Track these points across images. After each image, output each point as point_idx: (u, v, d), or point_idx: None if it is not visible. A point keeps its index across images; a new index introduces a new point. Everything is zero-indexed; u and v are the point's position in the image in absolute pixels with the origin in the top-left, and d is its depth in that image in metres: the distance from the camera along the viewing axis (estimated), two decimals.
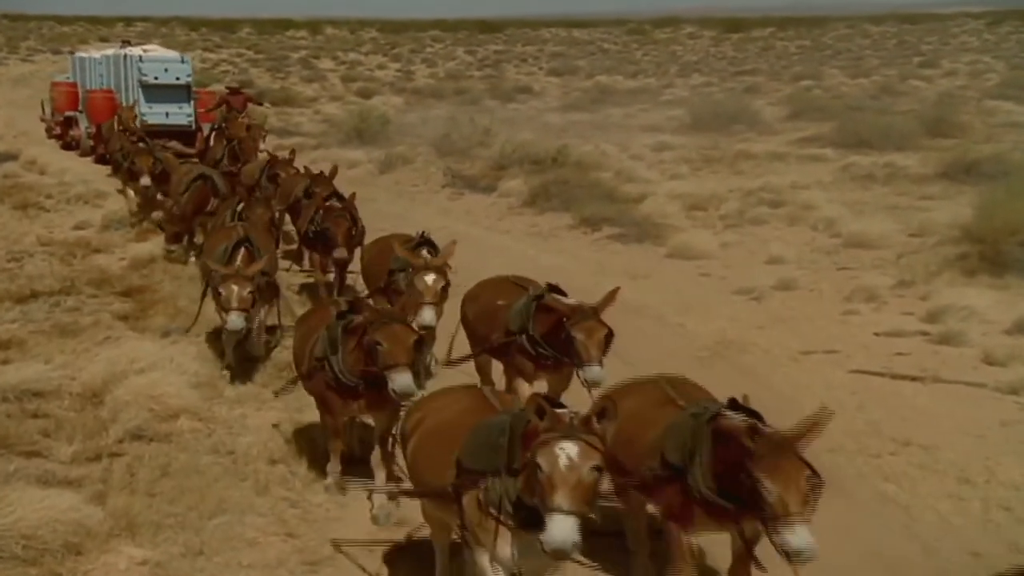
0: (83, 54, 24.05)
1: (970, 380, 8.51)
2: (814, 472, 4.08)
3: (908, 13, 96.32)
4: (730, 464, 4.30)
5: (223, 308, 7.88)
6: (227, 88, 20.39)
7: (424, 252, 7.92)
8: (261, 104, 19.52)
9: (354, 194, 10.66)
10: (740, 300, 11.27)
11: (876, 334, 9.83)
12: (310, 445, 6.97)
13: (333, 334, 6.10)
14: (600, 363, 5.93)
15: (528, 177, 17.74)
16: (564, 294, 6.55)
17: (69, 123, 22.95)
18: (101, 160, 19.91)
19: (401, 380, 5.63)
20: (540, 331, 6.36)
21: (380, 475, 6.12)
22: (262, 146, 16.06)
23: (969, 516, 6.28)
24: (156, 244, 12.87)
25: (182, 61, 20.93)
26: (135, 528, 5.71)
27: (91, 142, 21.42)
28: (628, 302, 11.31)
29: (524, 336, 6.42)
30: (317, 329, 6.38)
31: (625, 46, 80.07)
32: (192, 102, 20.40)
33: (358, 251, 9.92)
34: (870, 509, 6.39)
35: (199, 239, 11.79)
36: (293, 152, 13.77)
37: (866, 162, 19.33)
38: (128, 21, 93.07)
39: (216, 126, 18.05)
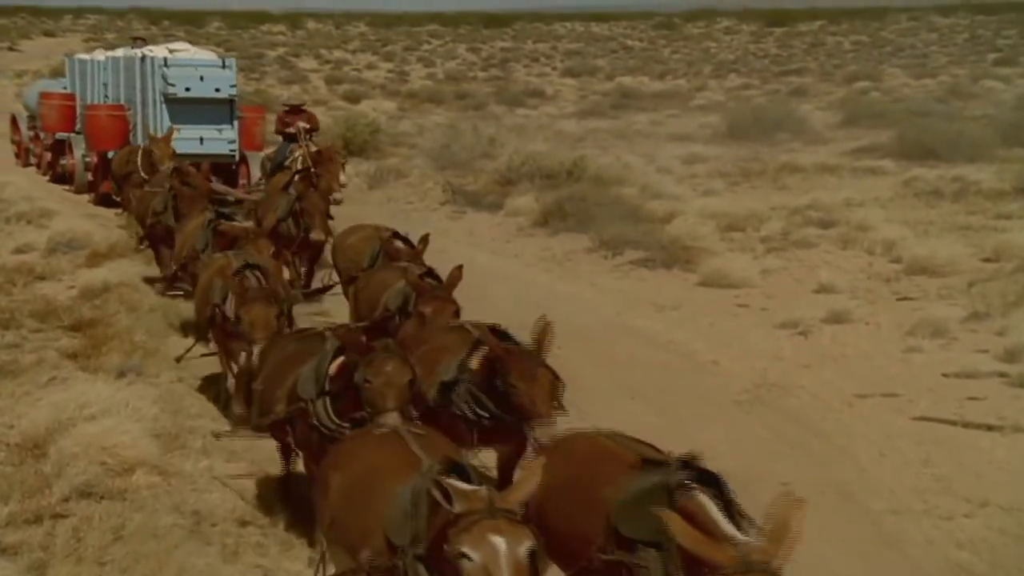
0: (84, 56, 21.03)
1: None
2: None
3: (982, 2, 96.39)
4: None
5: None
6: (285, 106, 16.97)
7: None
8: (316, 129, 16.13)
9: (426, 237, 9.11)
10: (784, 335, 11.26)
11: (944, 375, 9.79)
12: (288, 504, 6.96)
13: None
14: None
15: (540, 193, 17.83)
16: None
17: (61, 147, 19.81)
18: (104, 201, 17.61)
19: None
20: None
21: None
22: (341, 185, 13.04)
23: None
24: (110, 270, 12.87)
25: (223, 66, 17.69)
26: None
27: (89, 175, 18.54)
28: (654, 337, 11.44)
29: None
30: None
31: (651, 42, 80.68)
32: (236, 123, 17.39)
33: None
34: None
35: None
36: (427, 238, 9.28)
37: (932, 176, 19.36)
38: (78, 12, 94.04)
39: (287, 163, 14.77)
